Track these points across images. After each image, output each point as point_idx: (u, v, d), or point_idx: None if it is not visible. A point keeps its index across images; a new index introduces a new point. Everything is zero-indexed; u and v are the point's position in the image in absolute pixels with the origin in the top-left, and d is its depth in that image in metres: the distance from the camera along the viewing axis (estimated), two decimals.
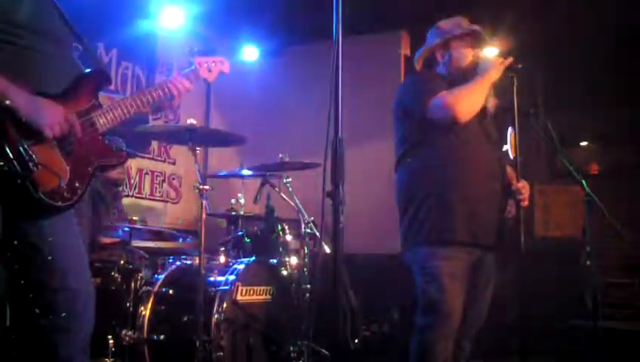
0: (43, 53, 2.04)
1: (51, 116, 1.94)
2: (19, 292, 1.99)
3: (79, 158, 2.04)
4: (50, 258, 1.96)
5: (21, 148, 1.88)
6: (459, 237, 2.69)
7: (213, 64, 2.66)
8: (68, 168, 1.99)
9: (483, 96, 2.78)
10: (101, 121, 2.13)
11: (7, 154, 1.85)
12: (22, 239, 1.95)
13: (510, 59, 2.80)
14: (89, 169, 2.08)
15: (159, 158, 5.60)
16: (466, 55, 2.90)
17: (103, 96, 2.22)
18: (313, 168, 3.88)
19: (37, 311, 1.96)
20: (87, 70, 2.21)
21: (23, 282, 1.99)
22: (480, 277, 2.80)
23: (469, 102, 2.71)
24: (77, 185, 2.01)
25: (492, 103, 2.90)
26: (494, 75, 2.77)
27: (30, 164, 1.87)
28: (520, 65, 2.82)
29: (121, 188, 4.46)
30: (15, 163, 1.86)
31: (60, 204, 1.95)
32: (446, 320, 2.66)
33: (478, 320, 2.85)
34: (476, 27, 2.94)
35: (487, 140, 2.85)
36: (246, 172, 4.09)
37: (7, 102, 1.84)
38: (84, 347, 2.04)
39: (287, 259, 3.96)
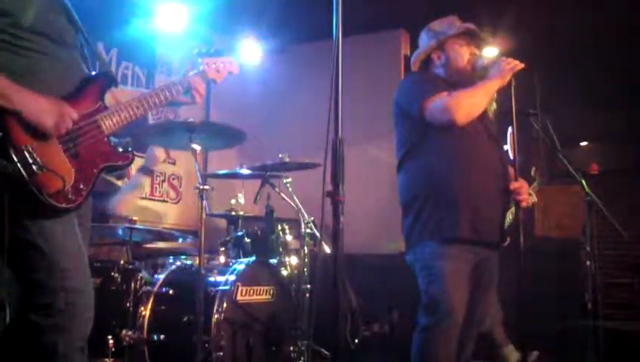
0: (49, 55, 2.05)
1: (54, 115, 1.95)
2: (19, 291, 1.99)
3: (85, 160, 2.05)
4: (50, 257, 1.96)
5: (26, 151, 1.88)
6: (463, 233, 2.66)
7: (221, 65, 2.64)
8: (73, 170, 2.00)
9: (486, 101, 2.74)
10: (107, 123, 2.13)
11: (12, 156, 1.86)
12: (24, 238, 1.95)
13: (522, 65, 2.71)
14: (94, 170, 2.08)
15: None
16: (462, 54, 2.86)
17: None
18: (313, 168, 3.87)
19: (36, 310, 1.95)
20: (94, 73, 2.23)
21: (23, 281, 1.99)
22: (483, 278, 2.77)
23: (469, 106, 2.67)
24: (82, 186, 2.02)
25: (492, 109, 2.89)
26: (501, 81, 2.71)
27: (35, 167, 1.88)
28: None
29: (121, 183, 4.46)
30: (20, 166, 1.86)
31: (63, 205, 1.95)
32: (449, 321, 2.63)
33: (481, 321, 2.83)
34: (470, 25, 2.90)
35: (488, 138, 2.82)
36: (246, 172, 4.08)
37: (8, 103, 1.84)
38: (81, 345, 2.04)
39: (287, 259, 3.95)
